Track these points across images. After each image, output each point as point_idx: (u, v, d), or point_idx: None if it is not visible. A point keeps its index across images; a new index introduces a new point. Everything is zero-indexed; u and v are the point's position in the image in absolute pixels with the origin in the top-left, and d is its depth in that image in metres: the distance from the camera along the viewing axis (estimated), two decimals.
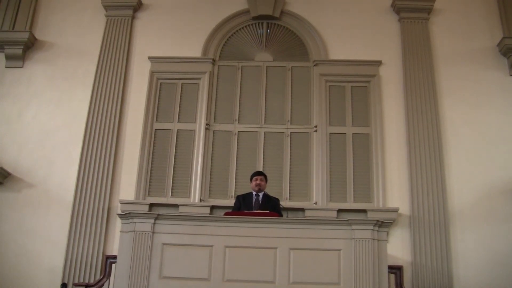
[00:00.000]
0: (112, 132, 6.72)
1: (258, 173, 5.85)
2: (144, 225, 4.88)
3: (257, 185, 5.70)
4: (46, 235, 6.31)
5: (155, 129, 6.81)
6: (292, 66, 7.10)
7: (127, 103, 6.95)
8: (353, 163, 6.57)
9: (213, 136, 6.78)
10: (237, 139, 6.75)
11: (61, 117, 6.90)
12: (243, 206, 5.61)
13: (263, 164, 6.58)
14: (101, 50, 7.16)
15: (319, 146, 6.62)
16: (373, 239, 4.80)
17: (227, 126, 6.83)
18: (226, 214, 5.30)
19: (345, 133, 6.71)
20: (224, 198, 6.46)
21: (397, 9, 7.23)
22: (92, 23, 7.40)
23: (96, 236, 6.25)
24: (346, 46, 7.11)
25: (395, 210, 6.24)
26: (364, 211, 6.26)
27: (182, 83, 7.04)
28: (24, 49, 7.19)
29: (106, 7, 7.39)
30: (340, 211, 6.27)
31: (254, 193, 5.72)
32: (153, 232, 4.87)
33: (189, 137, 6.76)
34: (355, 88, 6.94)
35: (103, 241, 6.24)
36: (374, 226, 4.85)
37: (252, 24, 7.34)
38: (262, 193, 5.72)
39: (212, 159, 6.66)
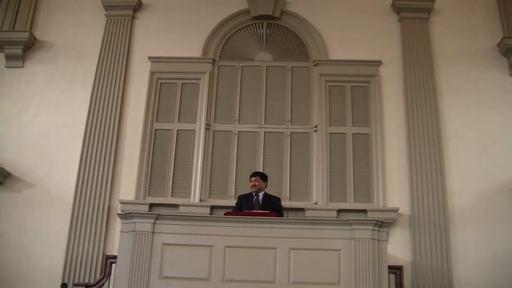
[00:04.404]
0: (112, 132, 6.72)
1: (254, 174, 5.86)
2: (144, 225, 4.89)
3: (252, 186, 5.72)
4: (46, 235, 6.31)
5: (155, 129, 6.81)
6: (292, 66, 7.09)
7: (127, 103, 6.95)
8: (353, 163, 6.57)
9: (213, 136, 6.78)
10: (237, 139, 6.75)
11: (61, 117, 6.90)
12: (244, 206, 5.62)
13: (263, 164, 6.58)
14: (101, 50, 7.16)
15: (319, 146, 6.62)
16: (373, 239, 4.81)
17: (227, 126, 6.83)
18: (226, 214, 5.31)
19: (345, 133, 6.71)
20: (224, 198, 6.46)
21: (397, 9, 7.23)
22: (92, 23, 7.40)
23: (96, 236, 6.25)
24: (346, 46, 7.11)
25: (395, 210, 6.24)
26: (364, 211, 6.26)
27: (182, 83, 7.04)
28: (24, 49, 7.19)
29: (106, 7, 7.39)
30: (340, 211, 6.27)
31: (253, 193, 5.72)
32: (153, 232, 4.87)
33: (189, 137, 6.77)
34: (355, 88, 6.94)
35: (103, 241, 6.24)
36: (374, 226, 4.85)
37: (252, 24, 7.34)
38: (262, 193, 5.73)
39: (212, 159, 6.66)
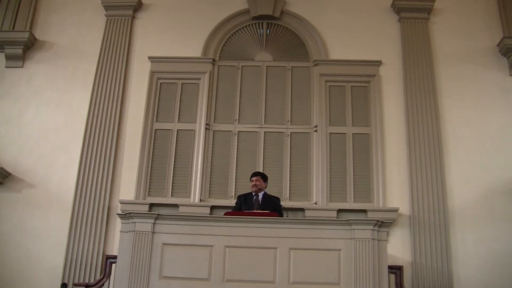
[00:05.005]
0: (112, 132, 6.72)
1: (255, 174, 5.85)
2: (144, 225, 4.88)
3: (253, 186, 5.70)
4: (46, 235, 6.31)
5: (155, 129, 6.81)
6: (292, 66, 7.10)
7: (127, 103, 6.95)
8: (353, 163, 6.57)
9: (213, 136, 6.78)
10: (237, 139, 6.75)
11: (61, 117, 6.90)
12: (244, 206, 5.62)
13: (263, 164, 6.58)
14: (101, 50, 7.16)
15: (319, 146, 6.62)
16: (373, 239, 4.80)
17: (227, 126, 6.83)
18: (226, 214, 5.31)
19: (345, 133, 6.71)
20: (224, 198, 6.47)
21: (397, 9, 7.23)
22: (92, 23, 7.40)
23: (96, 236, 6.25)
24: (346, 46, 7.10)
25: (395, 210, 6.24)
26: (364, 211, 6.26)
27: (182, 83, 7.04)
28: (24, 49, 7.19)
29: (106, 7, 7.39)
30: (340, 211, 6.27)
31: (253, 193, 5.72)
32: (153, 232, 4.87)
33: (189, 137, 6.77)
34: (355, 88, 6.94)
35: (103, 241, 6.24)
36: (374, 226, 4.85)
37: (252, 24, 7.34)
38: (262, 193, 5.72)
39: (212, 159, 6.66)
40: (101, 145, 6.64)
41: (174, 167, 6.62)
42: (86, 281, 5.95)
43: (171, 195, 6.51)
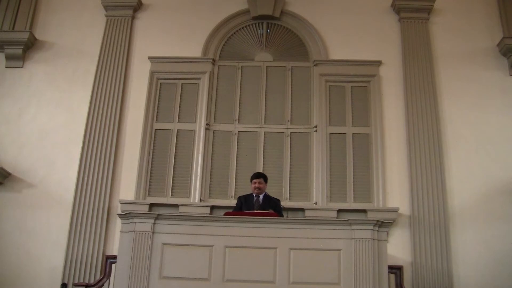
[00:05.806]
0: (112, 132, 6.72)
1: (257, 176, 5.81)
2: (144, 225, 4.88)
3: (256, 188, 5.68)
4: (46, 235, 6.31)
5: (155, 129, 6.81)
6: (292, 66, 7.10)
7: (127, 103, 6.95)
8: (353, 163, 6.57)
9: (213, 136, 6.78)
10: (237, 139, 6.75)
11: (61, 117, 6.90)
12: (245, 207, 5.61)
13: (263, 164, 6.58)
14: (101, 50, 7.16)
15: (319, 146, 6.62)
16: (373, 239, 4.80)
17: (227, 126, 6.83)
18: (226, 214, 5.31)
19: (345, 133, 6.71)
20: (224, 198, 6.47)
21: (397, 9, 7.23)
22: (92, 23, 7.40)
23: (96, 236, 6.25)
24: (346, 46, 7.11)
25: (395, 210, 6.24)
26: (364, 211, 6.26)
27: (182, 83, 7.04)
28: (24, 49, 7.19)
29: (106, 7, 7.39)
30: (340, 211, 6.27)
31: (254, 194, 5.71)
32: (153, 232, 4.87)
33: (189, 137, 6.77)
34: (355, 88, 6.94)
35: (103, 241, 6.24)
36: (374, 226, 4.85)
37: (252, 24, 7.34)
38: (263, 194, 5.72)
39: (212, 159, 6.66)
40: (101, 145, 6.64)
41: (174, 167, 6.62)
42: (86, 281, 5.95)
43: (171, 195, 6.51)
